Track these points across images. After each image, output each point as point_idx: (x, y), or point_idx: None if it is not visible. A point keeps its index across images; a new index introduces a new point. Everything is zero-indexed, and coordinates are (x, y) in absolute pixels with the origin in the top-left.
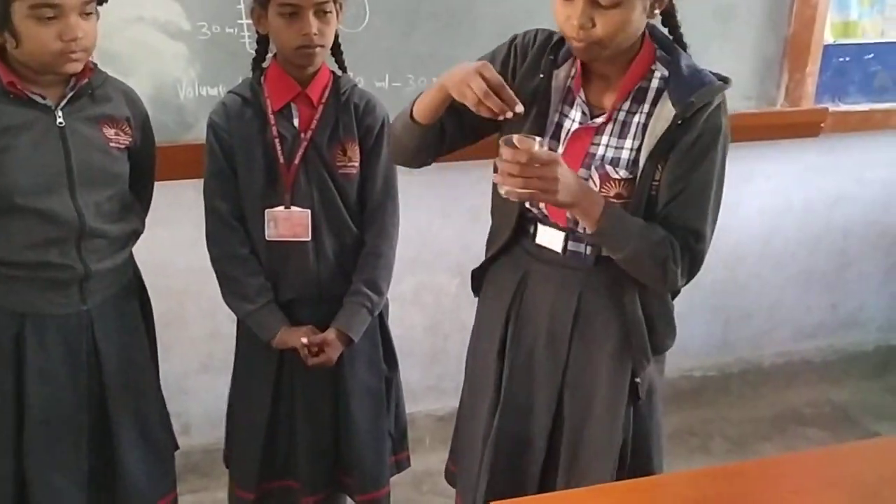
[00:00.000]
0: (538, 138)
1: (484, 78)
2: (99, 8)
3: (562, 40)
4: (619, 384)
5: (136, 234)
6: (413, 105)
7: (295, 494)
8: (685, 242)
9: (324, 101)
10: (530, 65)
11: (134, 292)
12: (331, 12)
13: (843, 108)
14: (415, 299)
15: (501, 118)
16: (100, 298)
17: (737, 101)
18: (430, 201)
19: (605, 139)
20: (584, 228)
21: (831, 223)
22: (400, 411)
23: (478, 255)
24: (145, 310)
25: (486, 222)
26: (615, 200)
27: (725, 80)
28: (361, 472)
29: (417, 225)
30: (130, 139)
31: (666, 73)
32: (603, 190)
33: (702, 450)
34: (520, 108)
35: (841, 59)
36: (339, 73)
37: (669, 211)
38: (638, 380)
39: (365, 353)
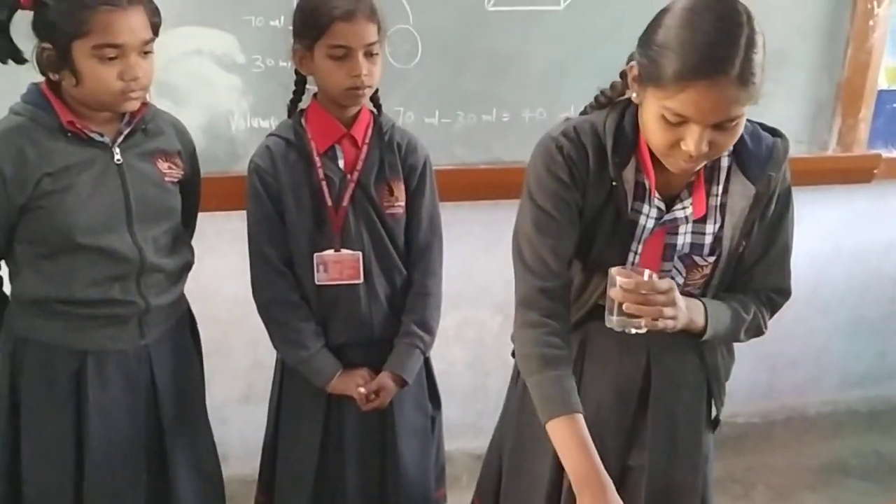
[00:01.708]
0: (638, 266)
1: None
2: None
3: (618, 137)
4: (699, 425)
5: (188, 267)
6: (547, 422)
7: None
8: (769, 299)
9: (367, 141)
10: (596, 171)
11: (187, 324)
12: (378, 53)
13: None
14: (457, 335)
15: None
16: (157, 333)
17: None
18: (475, 237)
19: (682, 228)
20: None
21: (881, 270)
22: (440, 449)
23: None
24: (196, 341)
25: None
26: (699, 281)
27: (781, 136)
28: None
29: (461, 260)
30: (182, 172)
31: (731, 148)
32: (689, 277)
33: (745, 498)
34: None
35: (895, 105)
36: (376, 112)
37: (752, 275)
38: (721, 418)
39: (412, 393)
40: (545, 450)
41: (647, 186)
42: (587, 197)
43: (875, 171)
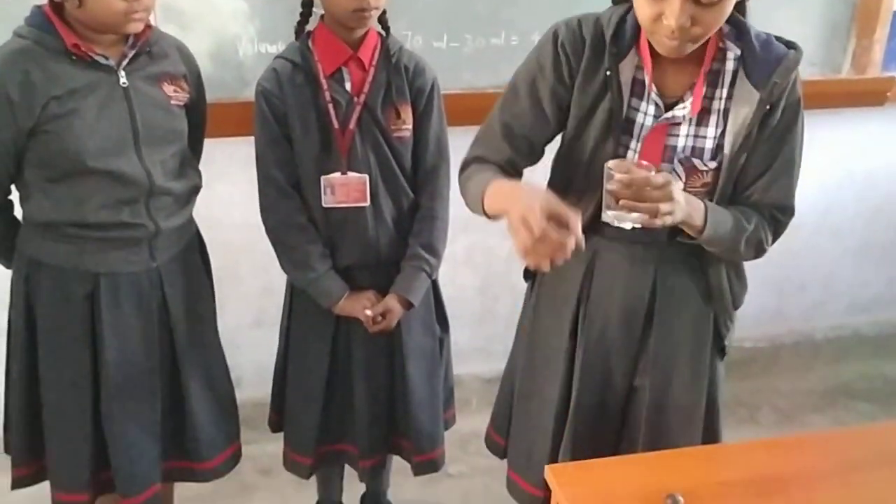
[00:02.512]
0: (636, 159)
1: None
2: None
3: (619, 28)
4: (702, 350)
5: (196, 190)
6: (483, 201)
7: (351, 458)
8: (773, 217)
9: (375, 63)
10: (590, 62)
11: (196, 248)
12: None
13: None
14: (466, 259)
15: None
16: (167, 255)
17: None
18: None
19: (683, 129)
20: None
21: (892, 195)
22: (448, 371)
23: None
24: (206, 265)
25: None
26: (701, 189)
27: (795, 47)
28: (418, 434)
29: None
30: (188, 95)
31: (738, 51)
32: (689, 182)
33: (750, 421)
34: (572, 245)
35: None
36: (383, 33)
37: (756, 190)
38: (726, 342)
39: (420, 315)
40: (555, 371)
41: (646, 82)
42: (578, 89)
43: (888, 94)
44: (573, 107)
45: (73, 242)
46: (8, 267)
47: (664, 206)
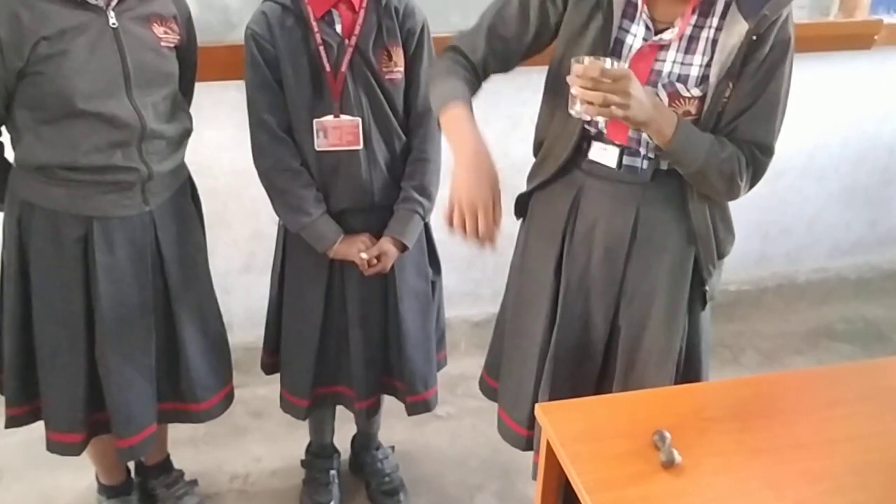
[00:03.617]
0: (608, 59)
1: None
2: None
3: None
4: (679, 293)
5: (188, 133)
6: (440, 112)
7: (347, 400)
8: (752, 155)
9: (364, 5)
10: None
11: (188, 192)
12: None
13: None
14: None
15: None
16: (160, 199)
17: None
18: (474, 104)
19: (671, 55)
20: (647, 143)
21: (877, 139)
22: (440, 314)
23: (517, 163)
24: (198, 210)
25: (526, 129)
26: (683, 117)
27: None
28: (412, 374)
29: None
30: (178, 37)
31: None
32: (671, 108)
33: (733, 363)
34: (494, 246)
35: None
36: None
37: (737, 125)
38: (707, 288)
39: (413, 258)
40: (540, 309)
41: (638, 4)
42: (572, 7)
43: (876, 38)
44: (564, 25)
45: (66, 186)
46: None
47: (615, 98)
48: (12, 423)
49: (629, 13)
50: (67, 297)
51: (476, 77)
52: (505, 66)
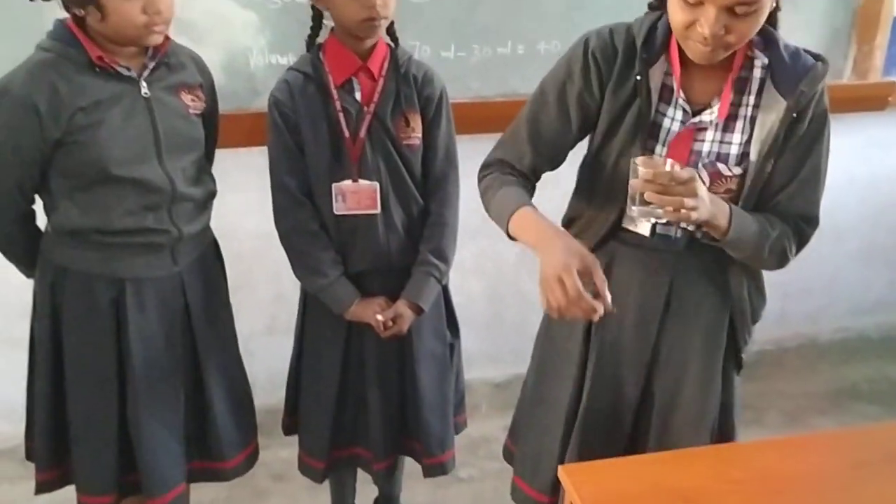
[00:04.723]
0: (663, 158)
1: (566, 285)
2: None
3: (650, 35)
4: (714, 358)
5: (213, 195)
6: (508, 225)
7: (364, 462)
8: (798, 227)
9: (384, 73)
10: (622, 68)
11: (214, 253)
12: None
13: None
14: (475, 267)
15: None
16: (188, 260)
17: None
18: None
19: (709, 135)
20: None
21: (894, 198)
22: (459, 376)
23: None
24: (223, 270)
25: (546, 192)
26: (724, 196)
27: (822, 60)
28: (428, 437)
29: (478, 192)
30: (204, 104)
31: (766, 60)
32: (713, 188)
33: (756, 423)
34: (600, 313)
35: None
36: (392, 44)
37: (782, 199)
38: (744, 355)
39: (430, 321)
40: (566, 376)
41: (674, 88)
42: (609, 97)
43: (890, 99)
44: (603, 113)
45: (100, 249)
46: (28, 276)
47: (689, 202)
48: (43, 488)
49: (665, 97)
50: (101, 358)
51: (529, 182)
52: (555, 165)
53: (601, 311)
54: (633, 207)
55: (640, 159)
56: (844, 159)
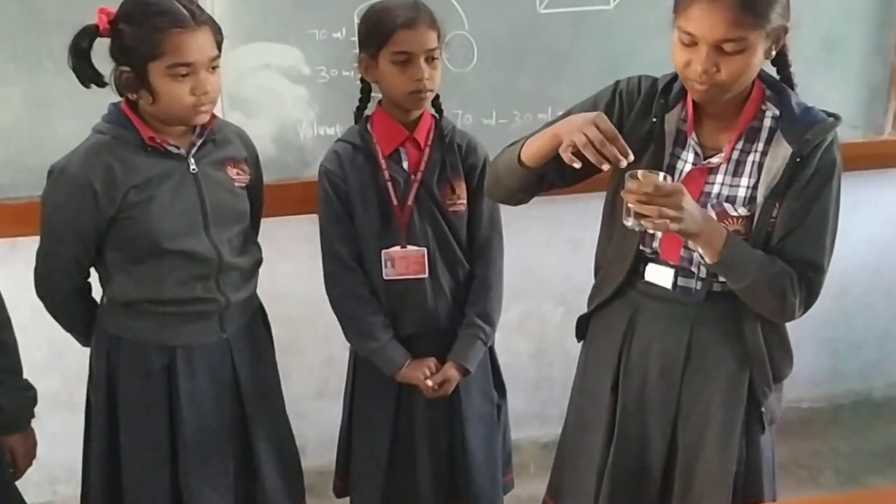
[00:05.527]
0: (661, 173)
1: (599, 128)
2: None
3: (670, 84)
4: (734, 414)
5: (259, 263)
6: (521, 149)
7: None
8: (803, 274)
9: (430, 143)
10: (641, 109)
11: (261, 319)
12: (438, 58)
13: None
14: (520, 327)
15: (605, 167)
16: (236, 327)
17: (844, 130)
18: (535, 232)
19: (719, 178)
20: (700, 264)
21: None
22: (506, 436)
23: (580, 285)
24: (269, 335)
25: (586, 253)
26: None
27: (836, 117)
28: (478, 497)
29: (521, 255)
30: (248, 177)
31: (777, 112)
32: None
33: (811, 482)
34: (631, 157)
35: None
36: (437, 115)
37: (787, 244)
38: (763, 409)
39: (478, 382)
40: (598, 429)
41: (687, 133)
42: (627, 134)
43: None
44: None
45: (152, 318)
46: (85, 345)
47: (669, 212)
48: None
49: (680, 141)
50: (154, 425)
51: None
52: (563, 182)
53: (631, 157)
54: (628, 219)
55: (630, 173)
56: (890, 214)
